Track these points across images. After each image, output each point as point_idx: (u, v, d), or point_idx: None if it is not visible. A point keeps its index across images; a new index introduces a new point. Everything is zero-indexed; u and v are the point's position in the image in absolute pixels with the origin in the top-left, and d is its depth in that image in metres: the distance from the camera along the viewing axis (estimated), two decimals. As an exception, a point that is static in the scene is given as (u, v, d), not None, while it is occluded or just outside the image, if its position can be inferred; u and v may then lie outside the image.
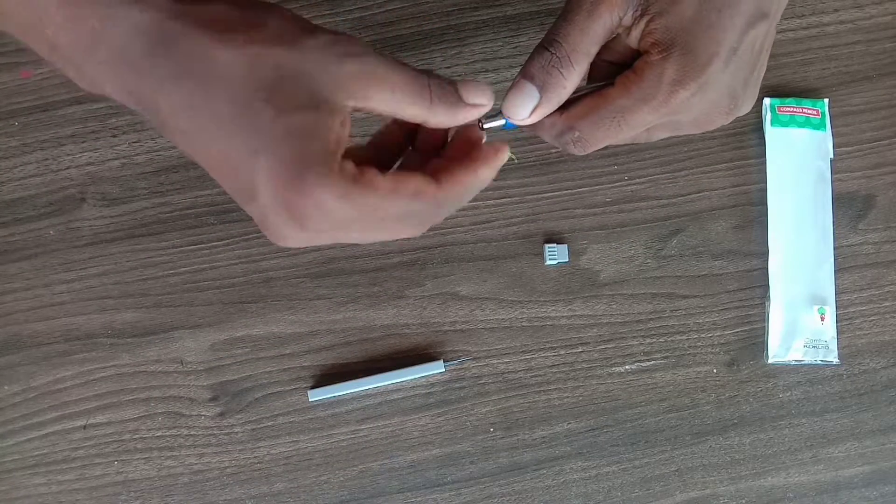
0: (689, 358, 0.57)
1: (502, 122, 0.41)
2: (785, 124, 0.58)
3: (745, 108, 0.43)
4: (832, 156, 0.58)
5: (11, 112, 0.58)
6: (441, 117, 0.38)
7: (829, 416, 0.57)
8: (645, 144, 0.57)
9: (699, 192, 0.58)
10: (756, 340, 0.57)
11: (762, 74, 0.42)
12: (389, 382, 0.56)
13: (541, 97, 0.40)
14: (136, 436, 0.56)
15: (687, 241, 0.58)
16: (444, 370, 0.56)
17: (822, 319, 0.57)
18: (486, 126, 0.40)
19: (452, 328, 0.57)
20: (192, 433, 0.56)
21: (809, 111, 0.58)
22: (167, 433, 0.56)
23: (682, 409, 0.57)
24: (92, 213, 0.57)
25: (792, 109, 0.58)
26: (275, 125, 0.34)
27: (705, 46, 0.38)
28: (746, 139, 0.59)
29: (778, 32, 0.59)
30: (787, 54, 0.59)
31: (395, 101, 0.37)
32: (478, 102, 0.38)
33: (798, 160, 0.58)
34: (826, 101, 0.59)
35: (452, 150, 0.40)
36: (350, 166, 0.35)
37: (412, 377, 0.56)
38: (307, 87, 0.35)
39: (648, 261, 0.58)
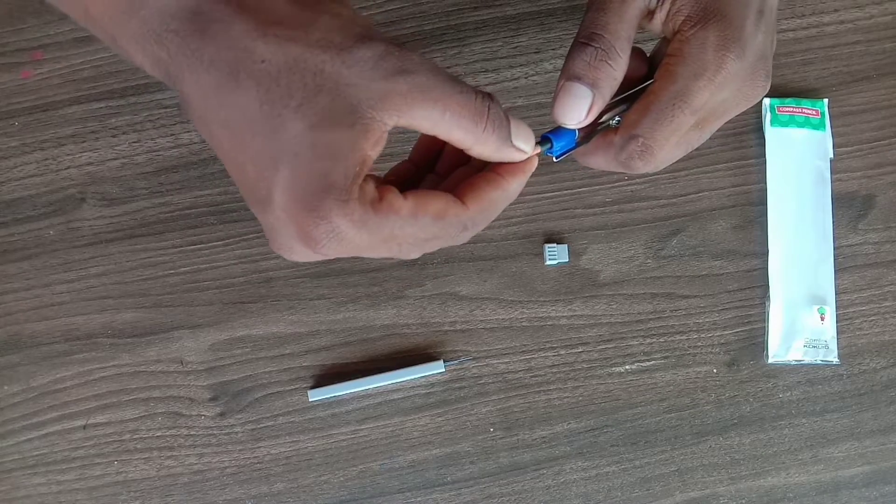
0: (689, 358, 0.57)
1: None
2: (784, 124, 0.58)
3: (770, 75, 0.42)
4: (832, 156, 0.58)
5: (11, 112, 0.58)
6: (487, 149, 0.36)
7: (829, 416, 0.57)
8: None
9: (699, 193, 0.58)
10: (756, 340, 0.57)
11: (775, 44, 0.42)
12: (389, 382, 0.56)
13: (594, 94, 0.38)
14: (136, 436, 0.56)
15: (687, 241, 0.58)
16: (443, 370, 0.56)
17: (822, 319, 0.57)
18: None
19: (452, 328, 0.57)
20: (192, 433, 0.56)
21: (809, 111, 0.58)
22: (167, 433, 0.56)
23: (682, 409, 0.57)
24: (92, 213, 0.57)
25: (791, 109, 0.58)
26: (301, 138, 0.32)
27: (736, 10, 0.38)
28: (746, 139, 0.59)
29: (778, 32, 0.59)
30: (787, 54, 0.59)
31: (444, 122, 0.35)
32: (521, 147, 0.37)
33: (798, 160, 0.58)
34: (825, 101, 0.59)
35: (477, 161, 0.38)
36: (371, 189, 0.34)
37: (412, 377, 0.56)
38: (346, 102, 0.33)
39: (648, 261, 0.58)
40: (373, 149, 0.34)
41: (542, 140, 0.39)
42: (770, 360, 0.56)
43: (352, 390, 0.56)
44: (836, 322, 0.57)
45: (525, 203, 0.58)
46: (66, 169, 0.58)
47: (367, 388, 0.56)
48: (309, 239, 0.34)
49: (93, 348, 0.57)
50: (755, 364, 0.57)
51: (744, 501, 0.56)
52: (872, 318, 0.58)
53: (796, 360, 0.56)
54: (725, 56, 0.38)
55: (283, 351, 0.57)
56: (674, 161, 0.42)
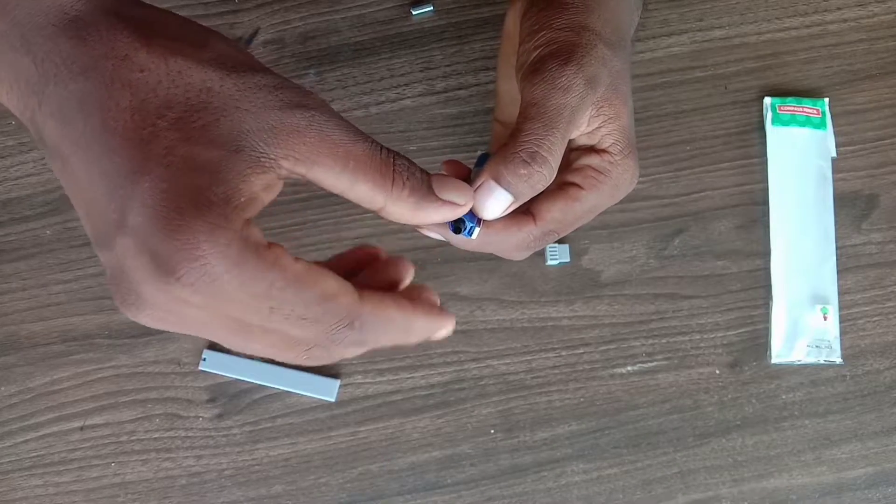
0: (691, 359, 0.57)
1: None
2: (786, 123, 0.58)
3: None
4: (834, 155, 0.58)
5: (8, 111, 0.57)
6: (401, 208, 0.31)
7: (832, 417, 0.57)
8: (646, 144, 0.57)
9: (701, 192, 0.58)
10: (759, 341, 0.57)
11: None
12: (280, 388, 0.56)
13: (515, 200, 0.37)
14: (134, 437, 0.56)
15: (689, 241, 0.58)
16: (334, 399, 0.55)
17: (825, 319, 0.56)
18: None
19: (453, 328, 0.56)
20: (189, 435, 0.56)
21: (810, 110, 0.58)
22: (165, 435, 0.56)
23: (684, 410, 0.56)
24: (89, 212, 0.57)
25: (792, 108, 0.58)
26: (174, 149, 0.27)
27: (634, 135, 0.42)
28: (748, 138, 0.58)
29: (781, 31, 0.59)
30: (789, 52, 0.59)
31: (346, 174, 0.30)
32: (454, 200, 0.33)
33: (799, 159, 0.58)
34: (826, 100, 0.58)
35: (388, 280, 0.34)
36: (257, 233, 0.28)
37: (303, 393, 0.55)
38: (233, 125, 0.28)
39: (650, 261, 0.57)
40: (264, 190, 0.29)
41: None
42: (773, 361, 0.56)
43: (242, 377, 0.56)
44: (840, 322, 0.57)
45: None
46: (63, 168, 0.57)
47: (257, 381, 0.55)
48: (166, 269, 0.26)
49: (90, 349, 0.56)
50: (758, 365, 0.57)
51: (746, 503, 0.56)
52: (876, 318, 0.57)
53: (799, 361, 0.56)
54: (635, 178, 0.42)
55: (282, 352, 0.56)
56: None
